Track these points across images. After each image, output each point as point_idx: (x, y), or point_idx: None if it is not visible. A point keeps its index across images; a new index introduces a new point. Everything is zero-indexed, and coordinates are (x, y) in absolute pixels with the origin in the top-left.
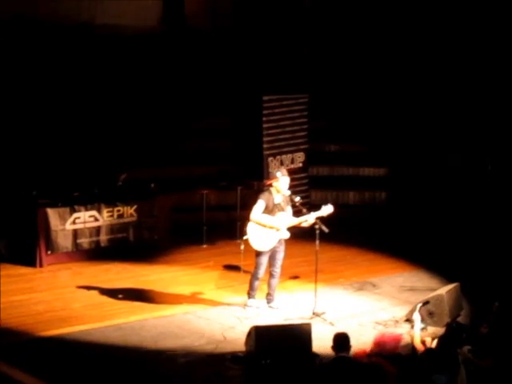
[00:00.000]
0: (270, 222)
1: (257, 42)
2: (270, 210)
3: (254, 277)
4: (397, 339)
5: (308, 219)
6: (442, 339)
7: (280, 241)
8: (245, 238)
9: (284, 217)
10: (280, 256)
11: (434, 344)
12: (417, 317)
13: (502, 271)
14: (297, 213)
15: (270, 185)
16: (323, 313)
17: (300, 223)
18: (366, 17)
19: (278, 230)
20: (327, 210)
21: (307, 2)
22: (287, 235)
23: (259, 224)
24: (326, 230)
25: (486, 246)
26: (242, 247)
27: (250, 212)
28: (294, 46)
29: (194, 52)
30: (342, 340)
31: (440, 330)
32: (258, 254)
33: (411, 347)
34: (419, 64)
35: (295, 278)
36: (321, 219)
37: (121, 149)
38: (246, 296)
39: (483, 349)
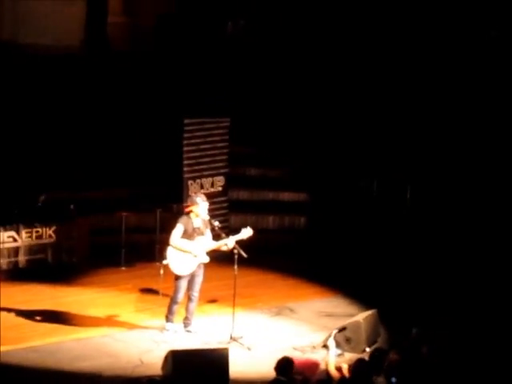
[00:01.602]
0: (188, 247)
1: (178, 66)
2: (189, 234)
3: (172, 300)
4: (313, 366)
5: (227, 243)
6: (357, 366)
7: (199, 265)
8: (164, 262)
9: (203, 241)
10: (199, 280)
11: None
12: (331, 343)
13: (419, 298)
14: (216, 237)
15: (190, 210)
16: (241, 337)
17: (219, 247)
18: (284, 44)
19: (195, 256)
20: (246, 233)
21: (229, 28)
22: (206, 259)
23: (178, 249)
24: (244, 254)
25: (405, 272)
26: (162, 271)
27: (170, 236)
28: (216, 70)
29: (116, 74)
30: (284, 364)
31: (357, 356)
32: (178, 277)
33: (326, 373)
34: (335, 90)
35: (213, 301)
36: (240, 244)
37: (40, 169)
38: (163, 319)
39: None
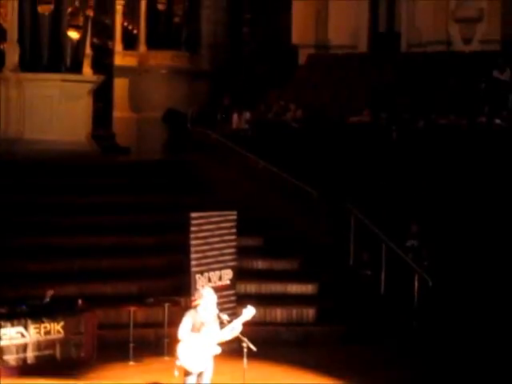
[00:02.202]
0: (198, 339)
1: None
2: (197, 328)
3: None
4: None
5: (233, 328)
6: None
7: (211, 357)
8: (177, 363)
9: (211, 333)
10: (208, 374)
11: None
12: None
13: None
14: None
15: (197, 304)
16: None
17: (228, 336)
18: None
19: (207, 347)
20: (249, 312)
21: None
22: (218, 351)
23: (189, 343)
24: (253, 348)
25: (416, 361)
26: (177, 373)
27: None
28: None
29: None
30: None
31: None
32: (188, 373)
33: None
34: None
35: None
36: (249, 338)
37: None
38: None
39: None
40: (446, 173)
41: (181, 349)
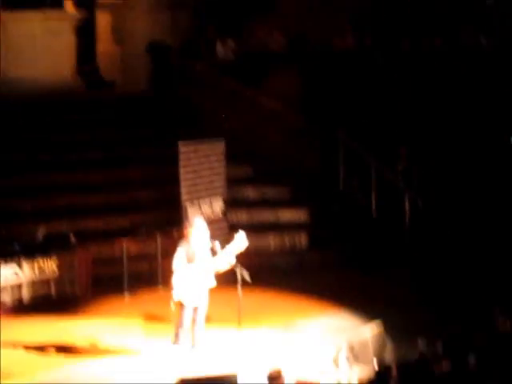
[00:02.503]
0: (193, 269)
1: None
2: (190, 258)
3: (178, 326)
4: None
5: (230, 259)
6: None
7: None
8: (174, 298)
9: (205, 262)
10: (203, 304)
11: None
12: (342, 358)
13: (425, 309)
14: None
15: (189, 233)
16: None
17: (226, 267)
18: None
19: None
20: (240, 237)
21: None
22: (213, 284)
23: (184, 273)
24: (248, 279)
25: (407, 283)
26: (174, 308)
27: (171, 262)
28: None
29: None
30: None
31: (366, 372)
32: (183, 306)
33: None
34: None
35: (219, 323)
36: (244, 265)
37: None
38: (170, 343)
39: None
40: (433, 95)
41: (176, 282)
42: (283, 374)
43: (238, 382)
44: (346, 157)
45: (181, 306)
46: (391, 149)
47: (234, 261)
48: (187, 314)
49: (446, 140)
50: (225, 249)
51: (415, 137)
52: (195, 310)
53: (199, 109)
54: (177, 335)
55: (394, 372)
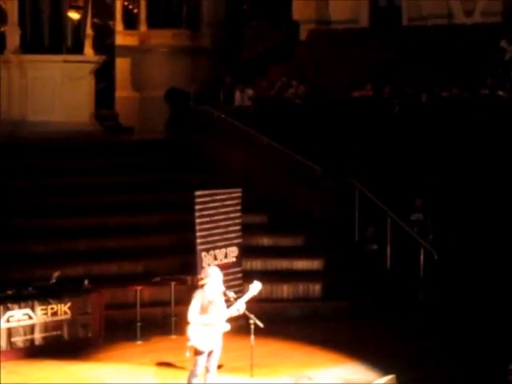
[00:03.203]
0: (208, 320)
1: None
2: (204, 307)
3: (192, 374)
4: None
5: (238, 307)
6: None
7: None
8: (189, 344)
9: (219, 311)
10: (217, 351)
11: None
12: None
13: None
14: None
15: (204, 283)
16: None
17: (234, 313)
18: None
19: (216, 325)
20: (255, 287)
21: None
22: (228, 327)
23: (199, 324)
24: (260, 324)
25: (422, 337)
26: (188, 354)
27: (186, 309)
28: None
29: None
30: None
31: None
32: (199, 352)
33: None
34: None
35: (231, 372)
36: (255, 314)
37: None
38: None
39: None
40: (449, 146)
41: (191, 329)
42: None
43: None
44: (361, 206)
45: (196, 352)
46: (407, 199)
47: (243, 308)
48: (201, 361)
49: (462, 191)
50: (240, 299)
51: (431, 187)
52: (209, 355)
53: (216, 155)
54: (190, 383)
55: None
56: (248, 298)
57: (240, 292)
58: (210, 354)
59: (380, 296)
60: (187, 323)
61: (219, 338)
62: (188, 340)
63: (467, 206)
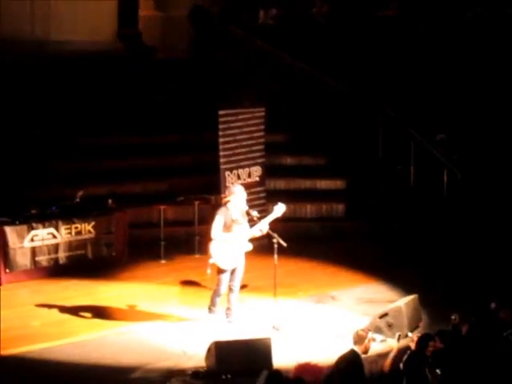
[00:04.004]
0: (230, 238)
1: (211, 57)
2: (228, 226)
3: (215, 293)
4: (317, 372)
5: (261, 227)
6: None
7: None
8: (211, 261)
9: (242, 230)
10: (240, 271)
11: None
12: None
13: (460, 283)
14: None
15: (227, 201)
16: (283, 327)
17: (257, 233)
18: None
19: (239, 244)
20: (279, 209)
21: (260, 17)
22: (250, 247)
23: (221, 241)
24: (284, 243)
25: (445, 257)
26: (209, 271)
27: (209, 228)
28: (248, 59)
29: (150, 68)
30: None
31: (399, 342)
32: (221, 271)
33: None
34: (370, 72)
35: (254, 291)
36: (279, 233)
37: (78, 164)
38: (206, 311)
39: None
40: (474, 66)
41: (213, 247)
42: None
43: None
44: (385, 126)
45: (218, 270)
46: (432, 119)
47: (266, 228)
48: (224, 280)
49: (488, 112)
50: (264, 219)
51: (457, 107)
52: (232, 274)
53: (240, 75)
54: (213, 303)
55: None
56: (271, 219)
57: (263, 212)
58: (232, 273)
59: (404, 214)
60: (210, 241)
61: (242, 258)
62: (210, 257)
63: (492, 128)
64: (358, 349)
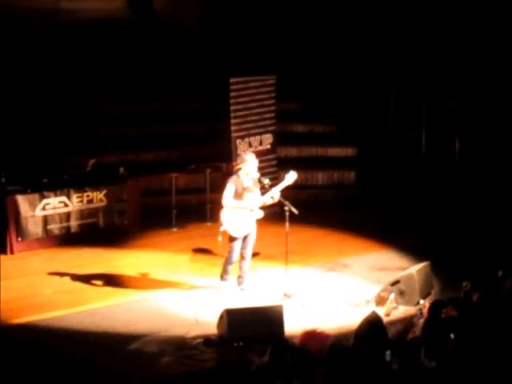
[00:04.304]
0: (241, 204)
1: (223, 25)
2: (239, 193)
3: (227, 261)
4: (323, 339)
5: (273, 195)
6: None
7: (253, 223)
8: (221, 228)
9: (253, 198)
10: (252, 238)
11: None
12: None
13: (471, 250)
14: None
15: (239, 168)
16: (294, 294)
17: (269, 201)
18: None
19: (251, 210)
20: (290, 177)
21: None
22: (261, 214)
23: (233, 208)
24: (295, 211)
25: (455, 224)
26: (220, 239)
27: (221, 196)
28: (260, 28)
29: (160, 36)
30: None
31: (411, 309)
32: (233, 238)
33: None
34: (383, 37)
35: (266, 259)
36: (290, 201)
37: (88, 133)
38: (217, 279)
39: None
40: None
41: (224, 215)
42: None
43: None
44: (396, 92)
45: (230, 238)
46: (444, 86)
47: (278, 195)
48: (236, 248)
49: (501, 84)
50: (275, 187)
51: (468, 75)
52: (244, 242)
53: (249, 39)
54: (225, 271)
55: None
56: (283, 186)
57: (275, 179)
58: (244, 240)
59: (415, 182)
60: (221, 208)
61: (253, 225)
62: (221, 225)
63: (503, 96)
64: (379, 311)
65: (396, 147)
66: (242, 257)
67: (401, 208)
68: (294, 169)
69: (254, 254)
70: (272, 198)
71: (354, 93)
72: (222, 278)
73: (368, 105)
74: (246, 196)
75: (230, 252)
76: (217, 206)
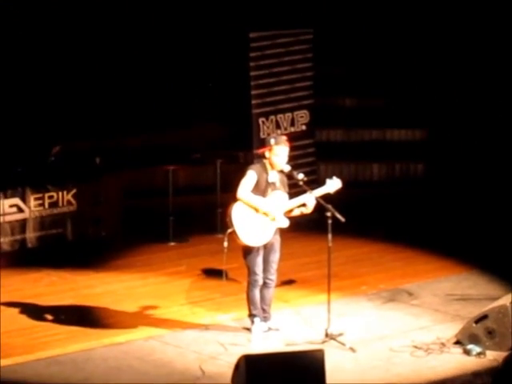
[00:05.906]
0: (262, 205)
1: None
2: (261, 189)
3: (251, 285)
4: None
5: (307, 201)
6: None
7: (276, 233)
8: (229, 230)
9: (279, 198)
10: (275, 256)
11: None
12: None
13: None
14: (299, 195)
15: (263, 156)
16: (340, 334)
17: (298, 207)
18: None
19: (272, 218)
20: (333, 185)
21: None
22: (286, 223)
23: (248, 205)
24: (341, 218)
25: None
26: (226, 244)
27: (236, 191)
28: None
29: None
30: None
31: (504, 355)
32: (248, 252)
33: None
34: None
35: (300, 286)
36: (333, 203)
37: (54, 113)
38: (233, 314)
39: None
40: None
41: (236, 211)
42: None
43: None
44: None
45: (244, 251)
46: None
47: (312, 202)
48: (257, 263)
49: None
50: (310, 192)
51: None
52: (264, 263)
53: None
54: (253, 302)
55: None
56: (321, 193)
57: (312, 174)
58: (264, 260)
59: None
60: (234, 200)
61: (276, 236)
62: (229, 225)
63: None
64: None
65: (480, 129)
66: (264, 283)
67: (487, 213)
68: (339, 158)
69: (282, 279)
70: (304, 206)
71: (423, 55)
72: (251, 313)
73: (442, 70)
74: (269, 194)
75: (251, 270)
76: (230, 207)
